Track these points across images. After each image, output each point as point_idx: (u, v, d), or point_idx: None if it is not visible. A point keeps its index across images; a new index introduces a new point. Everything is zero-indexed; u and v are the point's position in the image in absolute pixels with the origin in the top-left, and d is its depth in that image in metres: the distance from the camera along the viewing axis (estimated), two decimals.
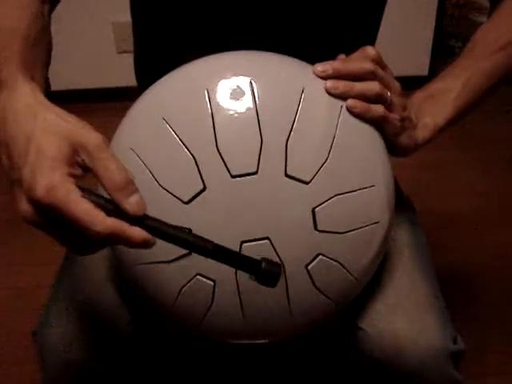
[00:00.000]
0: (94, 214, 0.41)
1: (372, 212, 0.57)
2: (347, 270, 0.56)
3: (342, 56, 0.61)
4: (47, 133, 0.43)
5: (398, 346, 0.62)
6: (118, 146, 0.58)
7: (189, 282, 0.54)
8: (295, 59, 0.60)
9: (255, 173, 0.52)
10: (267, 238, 0.53)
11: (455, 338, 0.65)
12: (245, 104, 0.54)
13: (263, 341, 0.62)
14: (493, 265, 1.50)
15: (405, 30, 2.29)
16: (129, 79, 0.75)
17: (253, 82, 0.55)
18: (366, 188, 0.56)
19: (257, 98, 0.54)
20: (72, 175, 0.42)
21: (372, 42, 0.78)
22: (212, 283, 0.53)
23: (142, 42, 0.78)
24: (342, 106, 0.56)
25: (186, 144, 0.53)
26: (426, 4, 2.30)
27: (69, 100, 2.36)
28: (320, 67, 0.56)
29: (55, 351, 0.63)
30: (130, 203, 0.42)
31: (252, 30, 0.68)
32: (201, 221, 0.53)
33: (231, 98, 0.54)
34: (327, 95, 0.56)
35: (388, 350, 0.62)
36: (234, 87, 0.55)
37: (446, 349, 0.63)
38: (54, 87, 2.40)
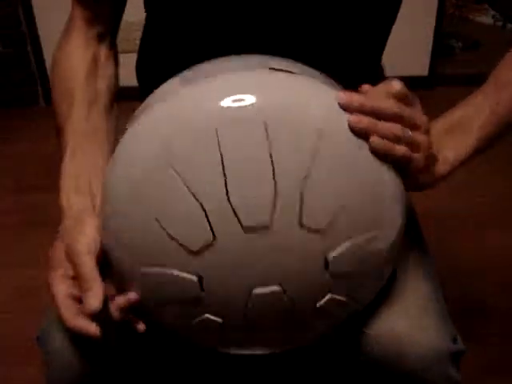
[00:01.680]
0: (65, 313, 0.54)
1: (382, 252, 0.56)
2: (355, 302, 0.57)
3: (367, 87, 0.56)
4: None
5: (399, 346, 0.62)
6: (118, 189, 0.53)
7: None
8: (312, 79, 0.55)
9: (268, 226, 0.50)
10: (279, 285, 0.53)
11: (455, 338, 0.65)
12: (258, 150, 0.49)
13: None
14: (493, 266, 1.50)
15: (405, 30, 2.28)
16: (129, 79, 0.75)
17: (267, 124, 0.49)
18: (377, 230, 0.54)
19: (271, 143, 0.49)
20: (64, 275, 0.56)
21: (382, 49, 0.78)
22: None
23: (149, 41, 0.78)
24: (360, 147, 0.51)
25: (195, 193, 0.50)
26: (425, 4, 2.30)
27: None
28: (345, 97, 0.52)
29: (59, 356, 0.63)
30: (86, 302, 0.53)
31: (258, 33, 0.68)
32: (210, 270, 0.52)
33: (243, 143, 0.49)
34: (345, 135, 0.51)
35: (388, 350, 0.62)
36: (246, 130, 0.49)
37: (447, 349, 0.63)
38: None
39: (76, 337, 0.62)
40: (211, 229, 0.50)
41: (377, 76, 0.82)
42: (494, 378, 1.20)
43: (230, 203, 0.50)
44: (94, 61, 0.70)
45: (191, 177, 0.50)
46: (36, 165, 2.03)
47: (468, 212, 1.69)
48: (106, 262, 0.56)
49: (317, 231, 0.51)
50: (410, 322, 0.63)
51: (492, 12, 2.98)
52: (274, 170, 0.49)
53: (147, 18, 0.77)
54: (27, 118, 2.35)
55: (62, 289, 0.56)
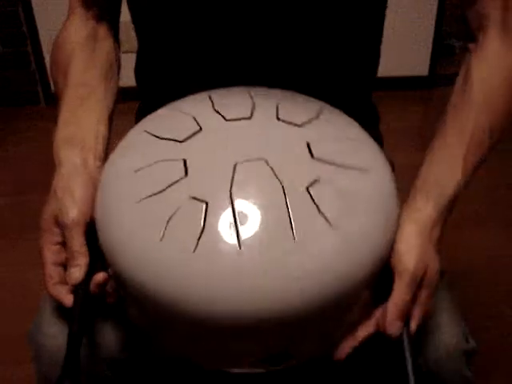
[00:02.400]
0: (47, 280, 0.58)
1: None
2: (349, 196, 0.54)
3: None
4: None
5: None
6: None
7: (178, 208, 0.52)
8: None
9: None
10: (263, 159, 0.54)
11: (467, 337, 0.65)
12: None
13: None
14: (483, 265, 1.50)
15: (405, 30, 2.29)
16: (128, 79, 0.75)
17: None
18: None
19: None
20: (53, 241, 0.58)
21: (376, 61, 0.79)
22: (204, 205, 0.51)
23: (143, 45, 0.78)
24: None
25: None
26: (425, 4, 2.30)
27: None
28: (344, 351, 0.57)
29: (49, 352, 0.63)
30: (69, 274, 0.57)
31: (253, 41, 0.68)
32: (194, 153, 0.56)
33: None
34: None
35: None
36: None
37: (460, 347, 0.63)
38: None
39: (65, 333, 0.63)
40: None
41: (370, 107, 0.83)
42: (493, 378, 1.21)
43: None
44: (92, 34, 0.71)
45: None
46: (36, 165, 2.03)
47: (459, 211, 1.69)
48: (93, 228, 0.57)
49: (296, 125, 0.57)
50: (423, 320, 0.63)
51: None
52: None
53: (136, 25, 0.77)
54: (27, 118, 2.35)
55: (48, 256, 0.58)
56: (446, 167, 0.60)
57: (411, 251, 0.55)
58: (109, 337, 0.65)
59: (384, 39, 0.77)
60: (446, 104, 0.66)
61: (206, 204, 0.51)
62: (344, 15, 0.68)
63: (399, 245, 0.56)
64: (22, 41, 2.33)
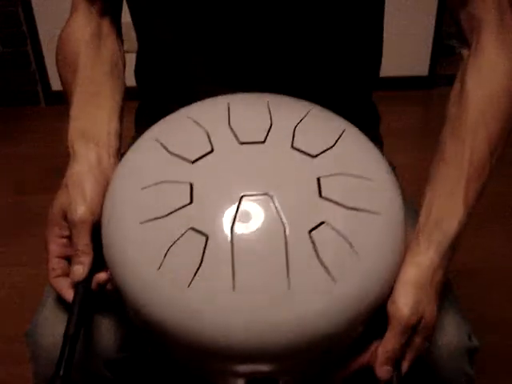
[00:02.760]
0: (51, 272, 0.59)
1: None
2: (350, 246, 0.52)
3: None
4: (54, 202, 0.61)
5: None
6: None
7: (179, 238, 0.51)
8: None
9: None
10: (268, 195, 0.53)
11: (470, 335, 0.65)
12: None
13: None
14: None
15: (405, 30, 2.29)
16: (128, 79, 0.75)
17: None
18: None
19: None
20: (60, 234, 0.59)
21: (378, 65, 0.79)
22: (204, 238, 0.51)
23: (143, 45, 0.78)
24: None
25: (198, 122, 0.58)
26: (425, 4, 2.31)
27: None
28: None
29: (46, 352, 0.63)
30: (72, 271, 0.57)
31: (254, 42, 0.68)
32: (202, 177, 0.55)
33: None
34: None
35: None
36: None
37: (463, 345, 0.63)
38: (55, 87, 2.40)
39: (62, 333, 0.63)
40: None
41: (370, 107, 0.83)
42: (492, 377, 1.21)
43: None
44: (97, 32, 0.71)
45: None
46: (36, 165, 2.03)
47: None
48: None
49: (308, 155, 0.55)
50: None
51: None
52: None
53: (136, 26, 0.77)
54: (27, 118, 2.35)
55: (53, 249, 0.59)
56: (446, 204, 0.58)
57: (408, 297, 0.54)
58: (106, 336, 0.65)
59: (384, 39, 0.77)
60: (445, 104, 0.66)
61: (207, 238, 0.50)
62: (343, 15, 0.68)
63: (397, 288, 0.54)
64: (22, 41, 2.33)
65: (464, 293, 1.37)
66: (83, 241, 0.57)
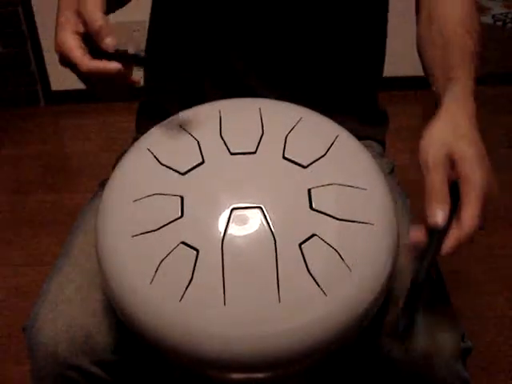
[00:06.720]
0: (81, 58, 0.55)
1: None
2: (342, 260, 0.52)
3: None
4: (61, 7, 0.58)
5: (409, 344, 0.62)
6: None
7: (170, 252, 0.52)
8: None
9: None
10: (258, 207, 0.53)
11: (463, 336, 0.65)
12: None
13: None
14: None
15: (405, 30, 2.29)
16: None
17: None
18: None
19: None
20: (76, 32, 0.56)
21: (381, 63, 0.79)
22: (195, 252, 0.51)
23: (153, 42, 0.78)
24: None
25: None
26: None
27: (69, 100, 2.36)
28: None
29: (43, 346, 0.63)
30: (104, 43, 0.55)
31: (259, 43, 0.69)
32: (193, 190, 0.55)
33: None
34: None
35: (397, 348, 0.62)
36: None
37: (456, 347, 0.63)
38: (54, 87, 2.40)
39: (60, 328, 0.64)
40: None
41: (377, 109, 0.83)
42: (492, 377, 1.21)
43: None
44: None
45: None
46: (36, 165, 2.03)
47: None
48: None
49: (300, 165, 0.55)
50: (419, 320, 0.63)
51: (492, 12, 2.98)
52: None
53: (152, 20, 0.77)
54: (27, 118, 2.35)
55: (74, 44, 0.56)
56: (459, 64, 0.63)
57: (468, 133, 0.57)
58: (103, 339, 0.65)
59: None
60: None
61: (197, 252, 0.51)
62: (348, 15, 0.69)
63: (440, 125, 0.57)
64: (21, 41, 2.33)
65: (463, 292, 1.38)
66: (103, 19, 0.55)
